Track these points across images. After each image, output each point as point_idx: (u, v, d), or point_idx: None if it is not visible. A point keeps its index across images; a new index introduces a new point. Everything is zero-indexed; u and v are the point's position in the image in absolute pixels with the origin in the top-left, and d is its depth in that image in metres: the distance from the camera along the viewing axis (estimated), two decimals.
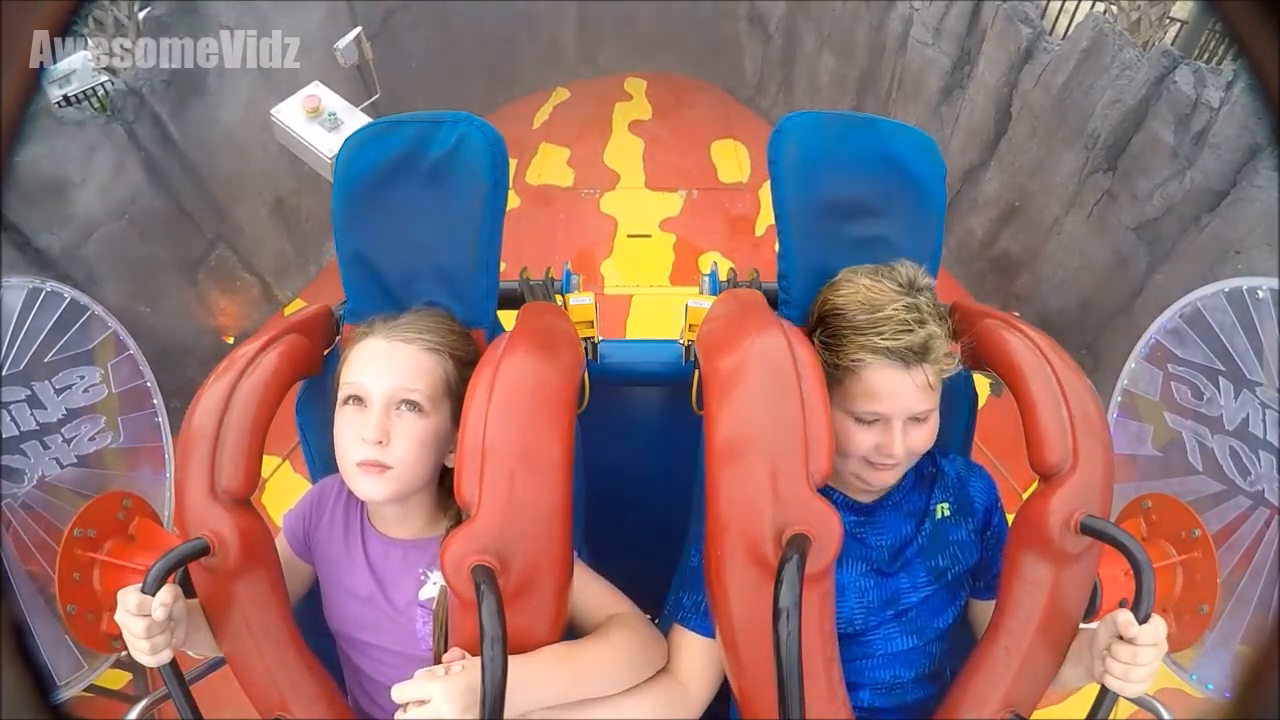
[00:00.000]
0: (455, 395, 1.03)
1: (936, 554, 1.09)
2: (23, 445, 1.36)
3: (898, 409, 0.99)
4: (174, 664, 0.89)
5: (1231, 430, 1.34)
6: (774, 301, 1.19)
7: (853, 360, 0.99)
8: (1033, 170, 4.17)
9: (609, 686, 0.94)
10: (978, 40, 4.25)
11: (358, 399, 1.00)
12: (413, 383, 1.00)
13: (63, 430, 1.41)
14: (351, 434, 0.99)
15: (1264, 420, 1.31)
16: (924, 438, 1.02)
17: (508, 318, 1.21)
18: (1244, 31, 0.46)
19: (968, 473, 1.15)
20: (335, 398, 1.04)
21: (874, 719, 1.08)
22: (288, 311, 4.61)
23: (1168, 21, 4.04)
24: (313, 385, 1.20)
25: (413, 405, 1.00)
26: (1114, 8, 3.86)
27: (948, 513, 1.11)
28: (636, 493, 1.44)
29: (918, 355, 0.97)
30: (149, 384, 1.57)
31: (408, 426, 0.99)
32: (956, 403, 1.22)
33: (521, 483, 0.86)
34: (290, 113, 3.68)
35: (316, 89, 3.75)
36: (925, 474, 1.14)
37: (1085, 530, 0.90)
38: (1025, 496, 0.99)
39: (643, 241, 5.15)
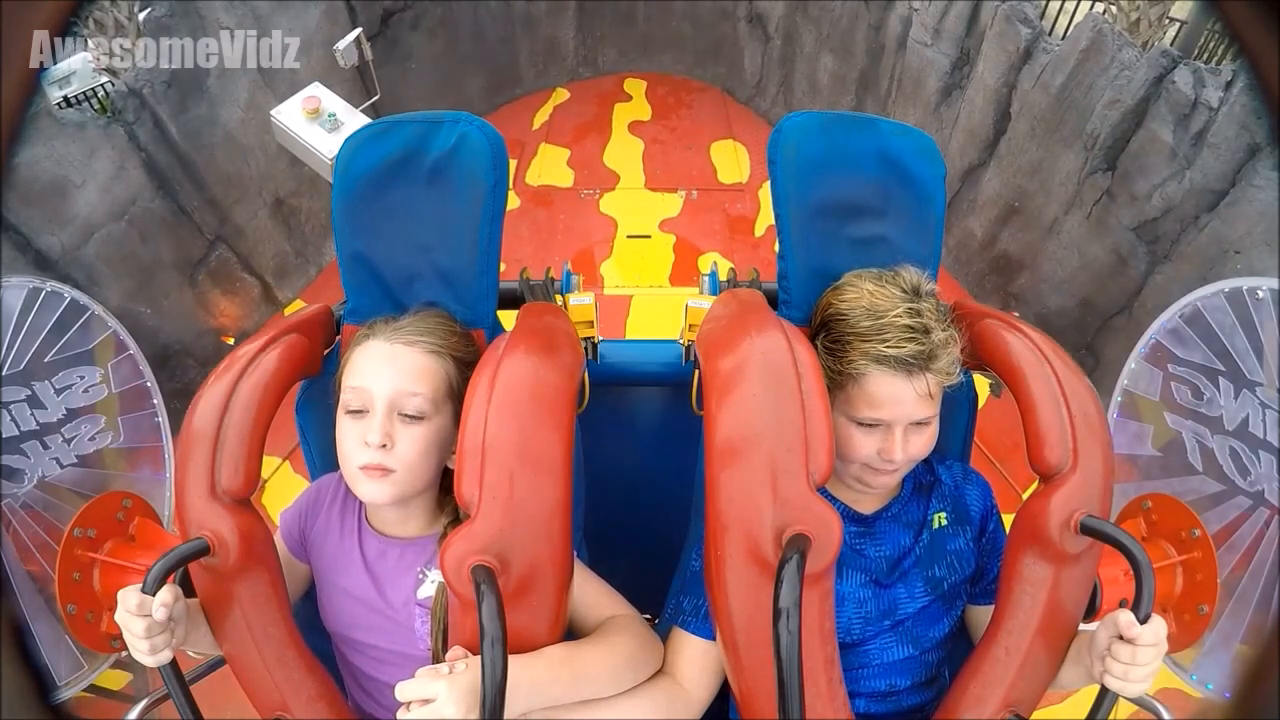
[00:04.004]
0: (457, 397, 1.03)
1: (934, 564, 1.09)
2: (23, 445, 1.35)
3: (899, 416, 0.99)
4: (174, 664, 0.89)
5: (1231, 430, 1.34)
6: (774, 301, 1.19)
7: (855, 367, 0.99)
8: (1032, 170, 4.17)
9: (609, 688, 0.94)
10: (977, 40, 4.25)
11: (360, 402, 1.00)
12: (415, 386, 1.00)
13: (63, 430, 1.40)
14: (354, 438, 0.99)
15: (1264, 420, 1.31)
16: (924, 444, 1.02)
17: (508, 318, 1.21)
18: (1244, 31, 0.46)
19: (964, 480, 1.15)
20: (336, 399, 1.04)
21: None
22: (288, 312, 4.62)
23: (1167, 21, 4.04)
24: (313, 385, 1.20)
25: (415, 408, 1.00)
26: (1113, 8, 3.87)
27: (945, 522, 1.11)
28: (636, 493, 1.44)
29: (920, 364, 0.97)
30: (149, 384, 1.57)
31: (410, 430, 0.99)
32: (956, 404, 1.22)
33: (521, 482, 0.86)
34: (290, 114, 3.68)
35: (316, 90, 3.75)
36: (923, 483, 1.14)
37: (1085, 530, 0.90)
38: (1025, 497, 0.99)
39: (643, 242, 5.15)
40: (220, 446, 0.96)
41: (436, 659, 0.99)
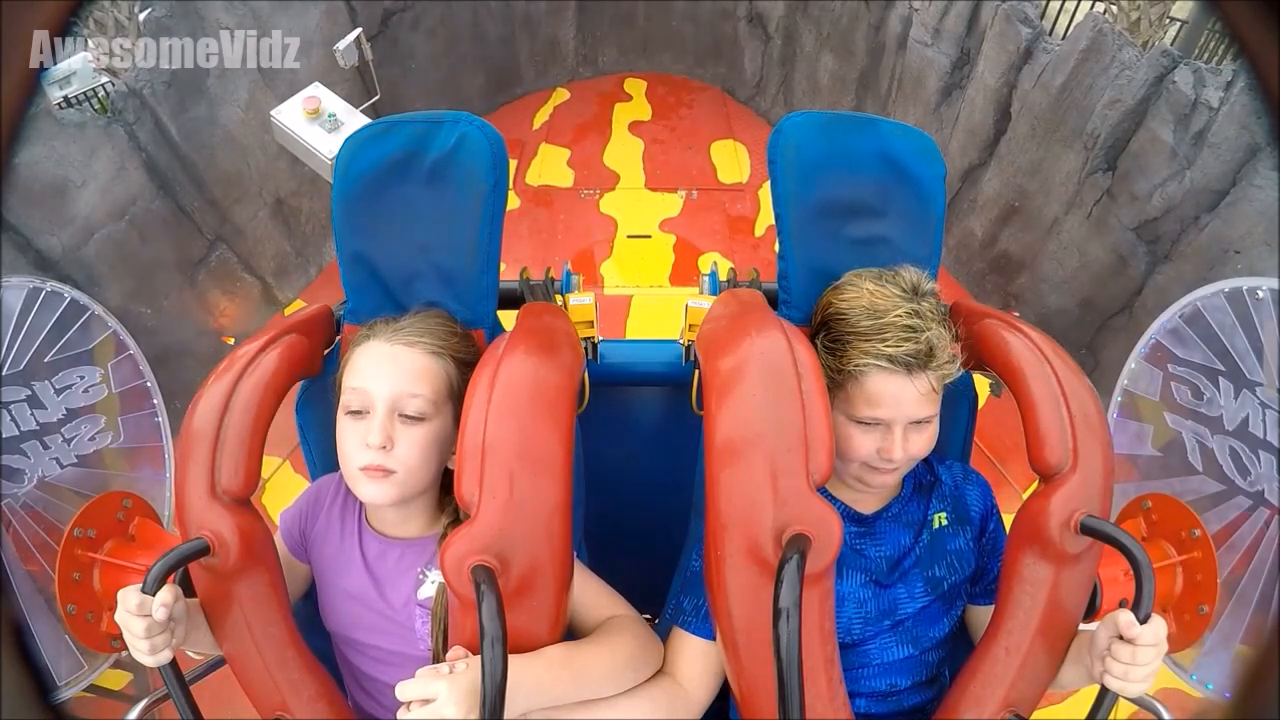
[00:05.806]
0: (457, 398, 1.03)
1: (934, 564, 1.09)
2: (23, 445, 1.36)
3: (899, 415, 0.99)
4: (174, 664, 0.89)
5: (1231, 430, 1.34)
6: (774, 301, 1.19)
7: (855, 366, 0.99)
8: (1032, 170, 4.17)
9: (609, 688, 0.94)
10: (977, 40, 4.24)
11: (361, 403, 1.00)
12: (416, 387, 1.00)
13: (63, 430, 1.41)
14: (355, 439, 0.99)
15: (1264, 420, 1.31)
16: (924, 443, 1.02)
17: (508, 318, 1.21)
18: (1244, 31, 0.46)
19: (964, 480, 1.15)
20: (337, 400, 1.04)
21: None
22: (288, 312, 4.62)
23: (1167, 21, 4.04)
24: (313, 385, 1.20)
25: (416, 409, 1.00)
26: (1114, 8, 3.86)
27: (945, 522, 1.11)
28: (636, 493, 1.44)
29: (920, 363, 0.97)
30: (149, 384, 1.57)
31: (411, 431, 0.99)
32: (956, 404, 1.22)
33: (521, 482, 0.86)
34: (290, 114, 3.68)
35: (316, 90, 3.75)
36: (923, 483, 1.14)
37: (1085, 530, 0.90)
38: (1025, 497, 0.99)
39: (643, 242, 5.15)
40: (220, 446, 0.96)
41: (437, 659, 0.99)
